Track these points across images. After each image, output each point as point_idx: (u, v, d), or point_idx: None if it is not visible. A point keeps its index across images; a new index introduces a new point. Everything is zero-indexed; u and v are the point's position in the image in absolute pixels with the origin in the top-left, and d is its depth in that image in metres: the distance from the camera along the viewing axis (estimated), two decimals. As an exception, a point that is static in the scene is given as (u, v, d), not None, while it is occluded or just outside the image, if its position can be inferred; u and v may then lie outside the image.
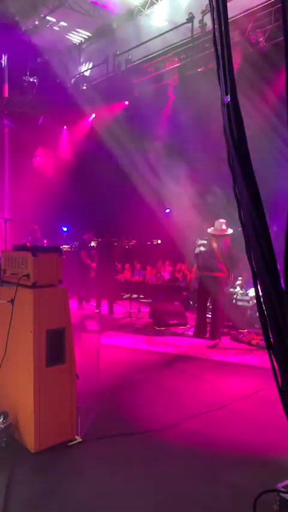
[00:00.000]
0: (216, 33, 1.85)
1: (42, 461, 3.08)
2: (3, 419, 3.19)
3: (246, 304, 7.73)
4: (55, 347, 3.23)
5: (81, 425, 3.47)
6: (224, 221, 7.00)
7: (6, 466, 2.98)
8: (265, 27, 8.04)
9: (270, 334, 1.73)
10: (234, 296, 7.93)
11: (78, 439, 3.36)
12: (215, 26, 1.86)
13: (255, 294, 1.80)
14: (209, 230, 7.02)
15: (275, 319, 1.65)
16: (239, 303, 7.80)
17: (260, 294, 1.75)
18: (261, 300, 1.73)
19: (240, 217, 1.88)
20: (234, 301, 7.87)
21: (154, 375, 5.17)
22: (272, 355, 1.72)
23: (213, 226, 7.02)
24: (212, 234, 6.95)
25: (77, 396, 3.41)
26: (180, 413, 3.96)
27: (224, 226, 6.92)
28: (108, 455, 3.22)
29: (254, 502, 1.81)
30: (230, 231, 6.91)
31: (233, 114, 1.71)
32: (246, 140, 1.71)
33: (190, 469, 3.07)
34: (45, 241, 10.56)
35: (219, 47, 1.77)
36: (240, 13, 8.15)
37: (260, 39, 8.22)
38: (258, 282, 1.74)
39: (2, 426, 3.14)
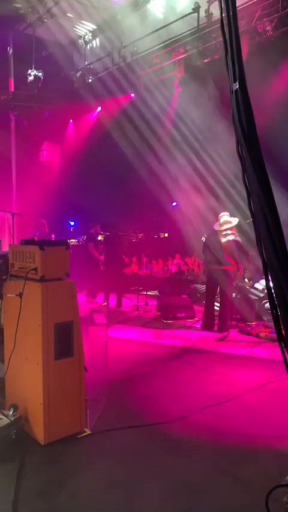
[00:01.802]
0: (223, 20, 1.80)
1: (52, 453, 3.10)
2: (13, 411, 3.21)
3: (254, 297, 7.68)
4: (63, 340, 3.24)
5: (90, 417, 3.48)
6: (227, 213, 6.95)
7: (16, 457, 3.00)
8: (272, 16, 7.91)
9: (282, 325, 1.71)
10: (242, 290, 7.89)
11: (87, 432, 3.38)
12: (223, 14, 1.82)
13: (266, 285, 1.77)
14: (215, 227, 6.98)
15: (287, 310, 1.63)
16: (249, 296, 7.75)
17: (271, 285, 1.72)
18: (273, 291, 1.70)
19: (250, 208, 1.85)
20: (240, 295, 7.82)
21: (162, 367, 5.18)
22: (284, 347, 1.70)
23: (217, 220, 6.97)
24: (218, 230, 6.90)
25: (86, 389, 3.42)
26: (188, 406, 3.96)
27: (228, 219, 6.87)
28: (116, 447, 3.23)
29: (266, 496, 1.80)
30: (235, 221, 6.85)
31: (242, 101, 1.67)
32: (255, 128, 1.68)
33: (198, 461, 3.06)
34: (53, 235, 10.56)
35: (227, 33, 1.73)
36: (247, 2, 8.03)
37: (267, 28, 8.09)
38: (269, 273, 1.71)
39: (12, 419, 3.16)
